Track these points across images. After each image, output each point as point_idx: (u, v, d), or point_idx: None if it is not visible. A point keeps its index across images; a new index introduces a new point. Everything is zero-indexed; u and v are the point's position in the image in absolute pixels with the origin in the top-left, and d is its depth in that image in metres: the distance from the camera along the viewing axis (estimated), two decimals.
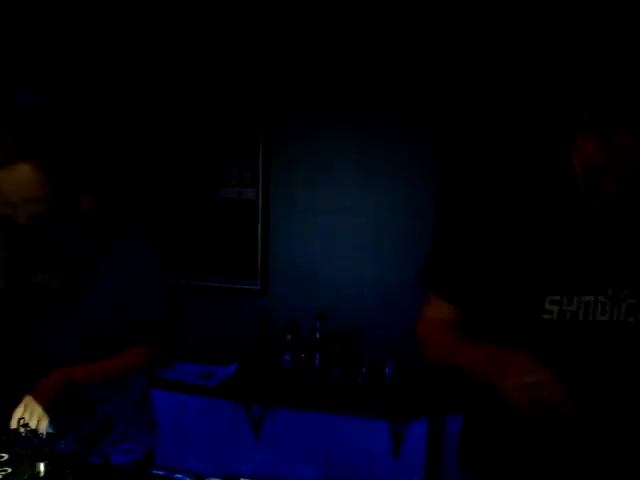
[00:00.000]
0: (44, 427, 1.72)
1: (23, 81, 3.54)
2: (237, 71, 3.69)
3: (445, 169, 3.44)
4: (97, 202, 1.95)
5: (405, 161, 3.53)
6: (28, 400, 1.75)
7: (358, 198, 3.60)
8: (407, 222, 3.54)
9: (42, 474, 1.50)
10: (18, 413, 1.74)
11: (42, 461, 1.51)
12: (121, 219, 2.01)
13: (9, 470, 1.53)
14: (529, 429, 1.48)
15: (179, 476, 1.87)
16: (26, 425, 1.67)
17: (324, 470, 3.66)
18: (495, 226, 1.48)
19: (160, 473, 1.76)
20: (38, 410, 1.74)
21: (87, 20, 3.77)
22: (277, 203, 3.72)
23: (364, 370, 3.45)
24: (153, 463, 2.12)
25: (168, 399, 3.41)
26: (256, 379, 3.53)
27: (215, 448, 3.78)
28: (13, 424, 1.72)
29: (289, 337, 3.53)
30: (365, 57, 3.51)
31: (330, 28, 3.53)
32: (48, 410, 1.76)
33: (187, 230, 3.85)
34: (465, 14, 3.31)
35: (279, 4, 3.57)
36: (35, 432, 1.66)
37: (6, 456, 1.60)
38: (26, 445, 1.60)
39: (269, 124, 3.68)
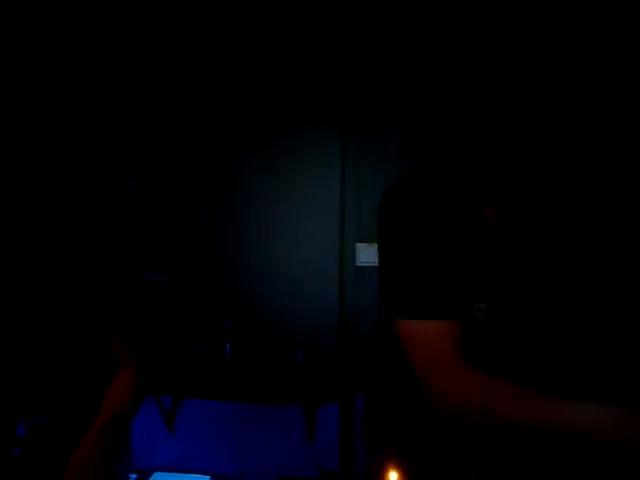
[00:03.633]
0: None
1: None
2: None
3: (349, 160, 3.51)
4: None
5: (311, 149, 3.56)
6: None
7: (266, 187, 3.60)
8: (316, 209, 3.56)
9: None
10: None
11: None
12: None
13: None
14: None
15: None
16: None
17: (239, 460, 3.65)
18: (436, 240, 1.37)
19: None
20: None
21: None
22: (183, 193, 3.69)
23: (275, 357, 3.46)
24: None
25: None
26: (166, 371, 3.49)
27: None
28: None
29: (198, 327, 3.50)
30: (272, 43, 3.53)
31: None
32: None
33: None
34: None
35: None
36: None
37: None
38: None
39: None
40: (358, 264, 3.48)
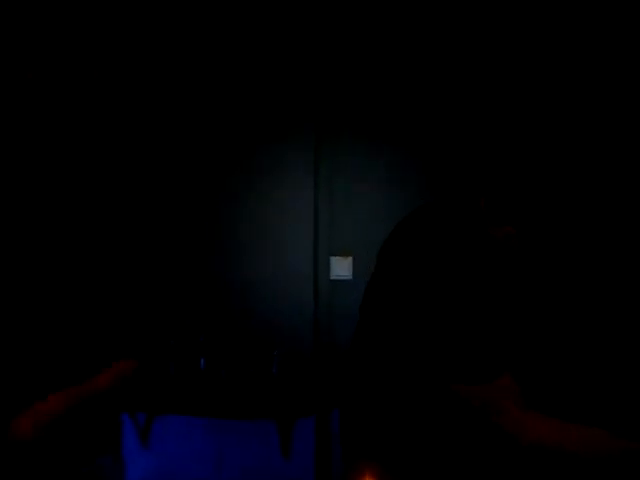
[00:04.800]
0: None
1: None
2: None
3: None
4: None
5: (284, 160, 3.57)
6: None
7: (238, 200, 3.61)
8: (289, 223, 3.57)
9: None
10: None
11: None
12: None
13: None
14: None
15: None
16: None
17: (216, 475, 3.63)
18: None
19: None
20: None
21: None
22: (154, 206, 3.69)
23: (250, 371, 3.45)
24: None
25: None
26: (141, 386, 3.46)
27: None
28: None
29: (172, 342, 3.49)
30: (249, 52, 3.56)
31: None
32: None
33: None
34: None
35: None
36: None
37: None
38: None
39: None
40: (332, 277, 3.49)
